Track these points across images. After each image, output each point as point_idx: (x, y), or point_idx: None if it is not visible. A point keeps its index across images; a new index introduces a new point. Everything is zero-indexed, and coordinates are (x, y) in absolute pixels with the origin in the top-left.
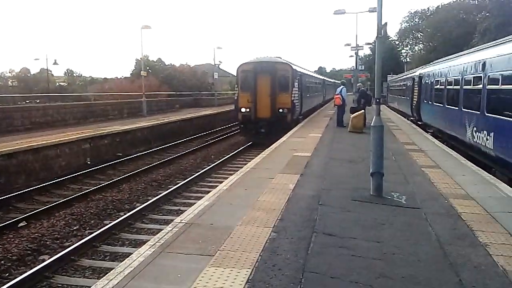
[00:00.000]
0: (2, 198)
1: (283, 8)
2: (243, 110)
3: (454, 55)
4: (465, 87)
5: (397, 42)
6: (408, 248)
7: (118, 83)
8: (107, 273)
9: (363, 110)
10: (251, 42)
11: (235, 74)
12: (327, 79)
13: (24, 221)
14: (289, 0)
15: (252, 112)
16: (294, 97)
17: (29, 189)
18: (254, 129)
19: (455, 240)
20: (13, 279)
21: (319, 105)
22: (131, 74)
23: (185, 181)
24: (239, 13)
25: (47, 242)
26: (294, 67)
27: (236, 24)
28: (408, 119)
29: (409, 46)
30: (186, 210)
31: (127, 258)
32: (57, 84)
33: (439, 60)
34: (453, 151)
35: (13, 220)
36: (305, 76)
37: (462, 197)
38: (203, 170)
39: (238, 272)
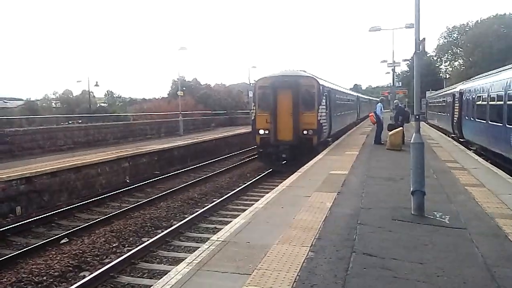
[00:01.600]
0: (45, 215)
1: (318, 27)
2: (261, 132)
3: (496, 70)
4: (509, 102)
5: (435, 58)
6: (453, 270)
7: (156, 103)
8: None
9: (401, 127)
10: (286, 61)
11: None
12: (362, 95)
13: (66, 238)
14: (324, 19)
15: (271, 134)
16: (321, 116)
17: (71, 207)
18: (274, 154)
19: (503, 261)
20: None
21: (353, 124)
22: (168, 94)
23: (221, 199)
24: (274, 32)
25: (88, 259)
26: (320, 81)
27: (271, 43)
28: (449, 136)
29: (448, 62)
30: (222, 228)
31: (165, 276)
32: (98, 105)
33: (480, 76)
34: (498, 169)
35: (56, 236)
36: (335, 92)
37: (509, 217)
38: (239, 188)
39: None
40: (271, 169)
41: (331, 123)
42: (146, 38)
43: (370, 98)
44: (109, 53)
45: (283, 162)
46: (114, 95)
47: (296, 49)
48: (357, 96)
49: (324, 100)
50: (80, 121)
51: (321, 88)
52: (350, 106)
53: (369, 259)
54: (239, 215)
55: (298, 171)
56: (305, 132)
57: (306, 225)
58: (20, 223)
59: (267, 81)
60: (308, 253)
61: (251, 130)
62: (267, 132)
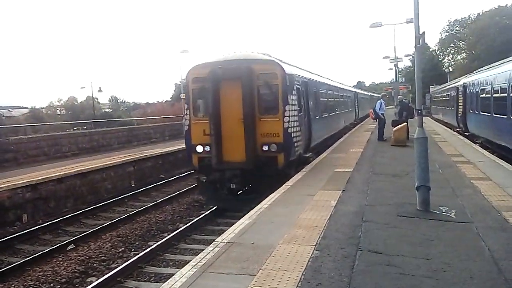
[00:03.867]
0: (52, 222)
1: (320, 26)
2: (199, 149)
3: (499, 62)
4: None
5: (438, 52)
6: (460, 265)
7: (159, 106)
8: None
9: (405, 123)
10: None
11: None
12: (361, 91)
13: (72, 244)
14: (325, 19)
15: (214, 154)
16: (290, 121)
17: (77, 213)
18: (219, 183)
19: (511, 254)
20: None
21: (350, 127)
22: (171, 97)
23: None
24: (275, 31)
25: (94, 264)
26: (288, 68)
27: (272, 41)
28: (453, 130)
29: (451, 56)
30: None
31: (170, 279)
32: (103, 110)
33: (483, 68)
34: (504, 161)
35: (62, 243)
36: (316, 85)
37: None
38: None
39: None
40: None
41: (311, 130)
42: (147, 42)
43: (372, 94)
44: (112, 59)
45: (233, 196)
46: (118, 100)
47: (299, 47)
48: (355, 91)
49: (295, 97)
50: (85, 127)
51: (287, 78)
52: (344, 104)
53: (375, 256)
54: (244, 215)
55: (303, 170)
56: (265, 148)
57: (311, 224)
58: (27, 230)
59: (205, 70)
60: (313, 252)
61: (185, 146)
62: (207, 149)
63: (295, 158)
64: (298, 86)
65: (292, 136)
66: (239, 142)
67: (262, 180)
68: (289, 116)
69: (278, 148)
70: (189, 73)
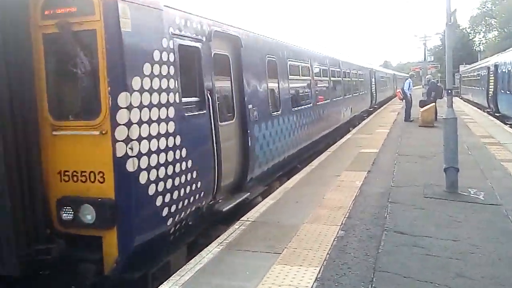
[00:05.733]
0: None
1: (346, 3)
2: None
3: None
4: None
5: (468, 30)
6: (488, 247)
7: None
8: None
9: (433, 103)
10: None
11: None
12: (381, 69)
13: None
14: None
15: None
16: (143, 136)
17: None
18: None
19: None
20: None
21: (362, 115)
22: None
23: None
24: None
25: None
26: None
27: (302, 20)
28: (484, 111)
29: (482, 34)
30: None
31: (197, 255)
32: None
33: None
34: None
35: None
36: (270, 49)
37: None
38: None
39: (306, 270)
40: None
41: (249, 146)
42: None
43: (396, 73)
44: None
45: None
46: None
47: (326, 28)
48: (371, 69)
49: (169, 68)
50: None
51: (129, 15)
52: (351, 86)
53: (401, 237)
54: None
55: (328, 150)
56: (65, 214)
57: (336, 204)
58: None
59: None
60: (338, 232)
61: None
62: None
63: (172, 232)
64: (193, 44)
65: (153, 176)
66: None
67: None
68: (141, 123)
69: (102, 213)
70: None
